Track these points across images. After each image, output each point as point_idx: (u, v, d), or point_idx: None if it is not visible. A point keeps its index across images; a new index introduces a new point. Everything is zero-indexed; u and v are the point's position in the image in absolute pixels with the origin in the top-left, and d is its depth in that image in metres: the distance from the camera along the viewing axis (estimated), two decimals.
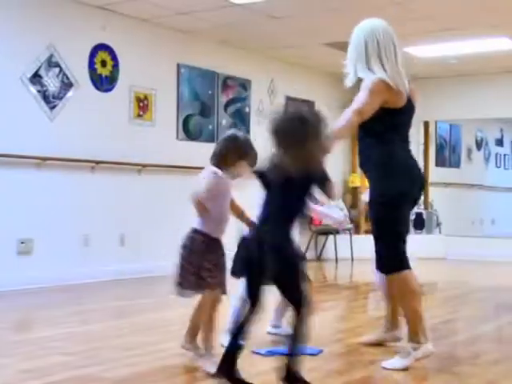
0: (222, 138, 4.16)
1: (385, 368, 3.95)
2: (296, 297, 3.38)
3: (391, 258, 4.08)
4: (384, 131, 4.11)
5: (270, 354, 4.18)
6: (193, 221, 3.94)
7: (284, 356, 3.31)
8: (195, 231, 3.93)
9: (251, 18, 8.33)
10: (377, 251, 4.12)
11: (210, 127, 9.47)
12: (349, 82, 4.22)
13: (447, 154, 14.28)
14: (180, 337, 4.62)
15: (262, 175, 3.46)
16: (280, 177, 3.35)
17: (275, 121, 3.39)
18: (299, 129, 3.32)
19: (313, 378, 3.72)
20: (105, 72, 8.13)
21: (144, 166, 8.43)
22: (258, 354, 4.20)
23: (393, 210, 4.02)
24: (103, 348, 4.39)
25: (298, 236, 11.02)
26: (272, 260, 3.26)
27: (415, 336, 4.03)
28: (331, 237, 10.99)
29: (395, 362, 3.99)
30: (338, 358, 4.19)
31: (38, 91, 7.41)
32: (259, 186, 3.43)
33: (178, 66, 9.08)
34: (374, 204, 4.12)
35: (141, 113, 8.55)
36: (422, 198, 12.57)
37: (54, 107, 7.55)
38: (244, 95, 10.09)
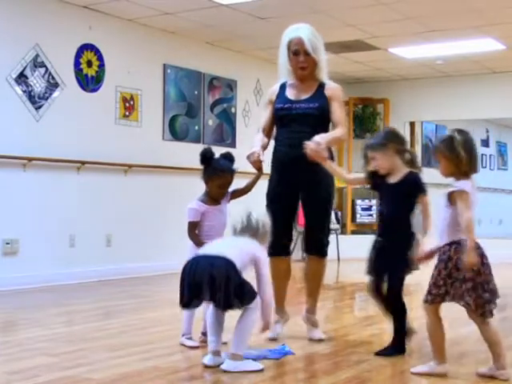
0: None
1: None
2: None
3: (328, 244, 4.78)
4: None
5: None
6: None
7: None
8: None
9: (237, 18, 8.32)
10: (321, 238, 4.72)
11: (196, 128, 9.46)
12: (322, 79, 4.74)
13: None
14: (167, 337, 4.62)
15: None
16: None
17: None
18: None
19: (299, 378, 3.73)
20: (91, 72, 8.11)
21: (130, 166, 8.42)
22: None
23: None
24: (90, 349, 4.37)
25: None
26: None
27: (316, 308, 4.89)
28: None
29: (317, 333, 4.72)
30: (324, 359, 4.18)
31: (24, 91, 7.38)
32: None
33: (164, 66, 9.06)
34: (330, 195, 4.73)
35: (127, 113, 8.53)
36: None
37: (39, 107, 7.53)
38: (230, 95, 10.09)
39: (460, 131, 3.85)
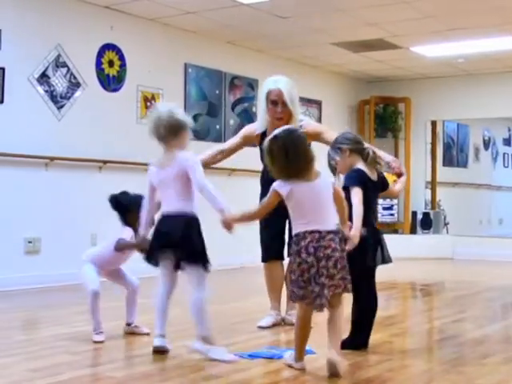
0: None
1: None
2: None
3: None
4: None
5: (252, 357, 4.12)
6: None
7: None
8: None
9: (258, 17, 8.32)
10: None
11: (218, 127, 9.48)
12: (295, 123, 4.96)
13: (455, 154, 14.25)
14: (188, 336, 4.63)
15: None
16: None
17: None
18: None
19: (320, 377, 3.72)
20: (112, 72, 8.14)
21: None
22: (240, 357, 4.14)
23: None
24: (110, 347, 4.39)
25: None
26: None
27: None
28: None
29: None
30: (345, 358, 4.16)
31: (46, 91, 7.42)
32: None
33: (186, 65, 9.08)
34: None
35: (148, 112, 8.56)
36: (430, 197, 12.57)
37: (61, 107, 7.57)
38: (251, 95, 10.09)
39: (276, 136, 3.78)
